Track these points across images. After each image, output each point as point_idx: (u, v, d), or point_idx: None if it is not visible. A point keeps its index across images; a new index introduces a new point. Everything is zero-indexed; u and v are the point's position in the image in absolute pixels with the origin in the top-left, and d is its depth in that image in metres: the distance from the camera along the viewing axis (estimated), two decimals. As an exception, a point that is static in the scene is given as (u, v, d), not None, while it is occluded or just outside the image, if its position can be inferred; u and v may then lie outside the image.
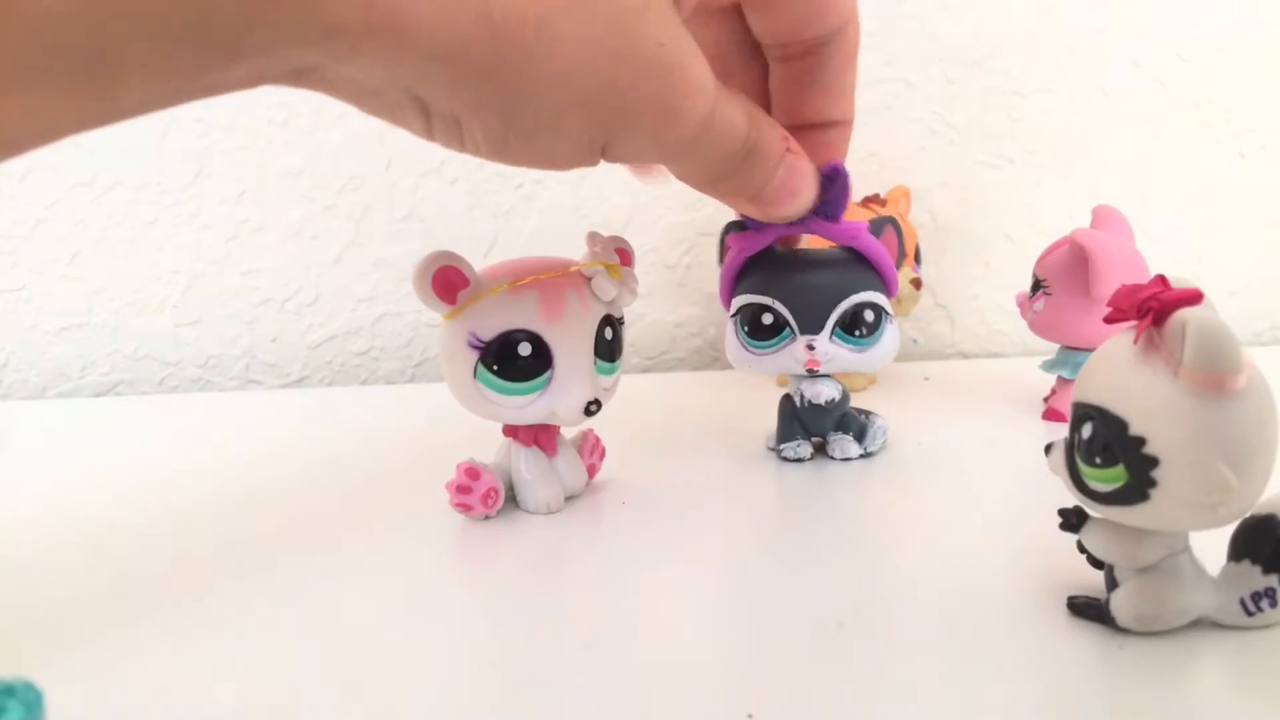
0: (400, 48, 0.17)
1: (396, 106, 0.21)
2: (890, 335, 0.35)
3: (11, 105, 0.15)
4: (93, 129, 0.17)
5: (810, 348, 0.34)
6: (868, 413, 0.38)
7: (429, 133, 0.21)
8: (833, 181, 0.30)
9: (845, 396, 0.37)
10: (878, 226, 0.35)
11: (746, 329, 0.35)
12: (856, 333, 0.34)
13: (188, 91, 0.18)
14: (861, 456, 0.37)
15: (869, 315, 0.34)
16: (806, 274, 0.34)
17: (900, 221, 0.48)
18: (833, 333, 0.34)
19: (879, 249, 0.34)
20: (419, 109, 0.20)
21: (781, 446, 0.37)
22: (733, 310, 0.35)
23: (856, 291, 0.34)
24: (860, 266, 0.34)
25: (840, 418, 0.37)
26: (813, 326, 0.34)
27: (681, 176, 0.26)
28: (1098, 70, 0.57)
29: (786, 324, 0.34)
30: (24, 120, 0.15)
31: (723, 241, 0.36)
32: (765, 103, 0.30)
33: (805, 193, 0.28)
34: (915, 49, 0.56)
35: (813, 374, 0.35)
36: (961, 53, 0.56)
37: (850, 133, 0.30)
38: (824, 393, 0.35)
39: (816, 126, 0.29)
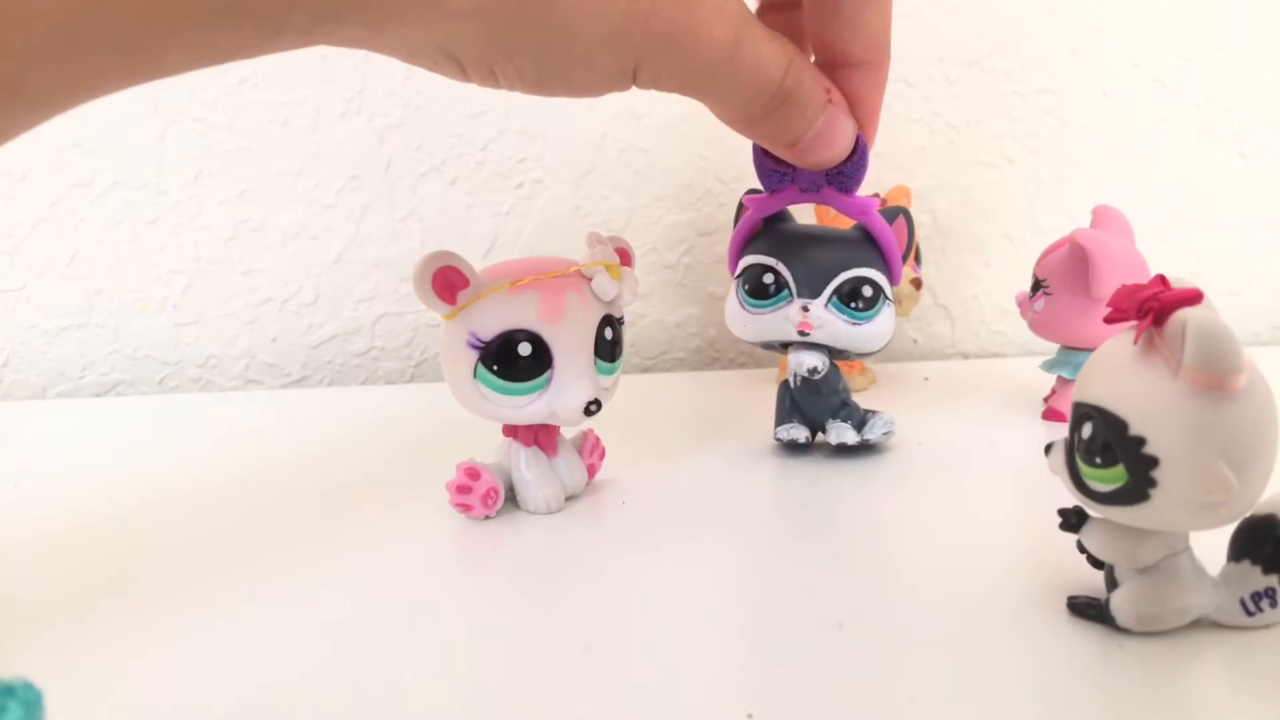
0: (433, 11, 0.18)
1: (433, 62, 0.21)
2: (886, 318, 0.35)
3: (56, 70, 0.16)
4: (128, 89, 0.18)
5: (805, 309, 0.34)
6: (873, 411, 0.38)
7: (465, 79, 0.22)
8: (851, 151, 0.29)
9: (833, 372, 0.36)
10: (891, 214, 0.35)
11: (747, 288, 0.35)
12: (853, 305, 0.34)
13: (233, 59, 0.18)
14: (860, 445, 0.37)
15: (867, 290, 0.34)
16: (812, 242, 0.35)
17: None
18: (829, 301, 0.34)
19: (887, 231, 0.34)
20: (454, 63, 0.21)
21: (777, 429, 0.37)
22: (738, 271, 0.36)
23: (859, 266, 0.34)
24: (868, 247, 0.35)
25: (839, 406, 0.37)
26: (811, 291, 0.34)
27: (718, 114, 0.27)
28: (1098, 70, 0.57)
29: (786, 285, 0.34)
30: (64, 85, 0.16)
31: (740, 208, 0.37)
32: (801, 37, 0.29)
33: (840, 146, 0.29)
34: (915, 49, 0.56)
35: (803, 337, 0.35)
36: (961, 53, 0.56)
37: (883, 78, 0.29)
38: (806, 361, 0.35)
39: (847, 67, 0.28)
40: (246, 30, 0.17)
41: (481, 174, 0.55)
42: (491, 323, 0.29)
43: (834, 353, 0.36)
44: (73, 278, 0.54)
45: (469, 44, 0.20)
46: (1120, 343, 0.21)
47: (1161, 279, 0.21)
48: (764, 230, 0.36)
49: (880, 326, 0.35)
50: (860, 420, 0.37)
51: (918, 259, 0.49)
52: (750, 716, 0.20)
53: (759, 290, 0.35)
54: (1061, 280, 0.40)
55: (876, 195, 0.49)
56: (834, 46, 0.28)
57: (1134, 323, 0.21)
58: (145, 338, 0.55)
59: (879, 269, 0.35)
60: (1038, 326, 0.42)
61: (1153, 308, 0.20)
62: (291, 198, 0.54)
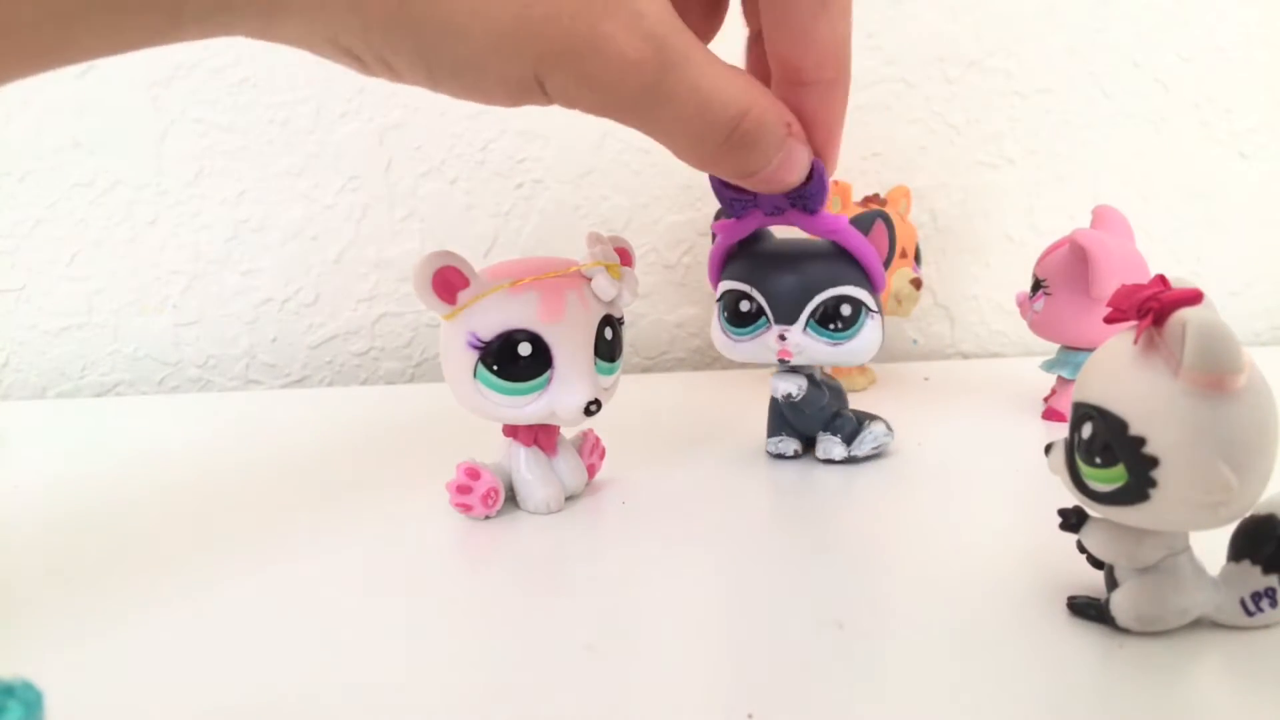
0: (320, 10, 0.19)
1: (332, 54, 0.21)
2: (870, 331, 0.34)
3: None
4: (44, 72, 0.18)
5: (782, 338, 0.34)
6: (872, 417, 0.37)
7: (367, 72, 0.21)
8: (808, 177, 0.29)
9: (814, 392, 0.36)
10: (867, 221, 0.34)
11: (726, 315, 0.35)
12: (832, 326, 0.33)
13: (140, 47, 0.19)
14: (846, 460, 0.36)
15: (845, 309, 0.33)
16: (786, 264, 0.34)
17: (896, 217, 0.48)
18: (807, 324, 0.33)
19: (861, 244, 0.33)
20: (350, 56, 0.21)
21: (767, 442, 0.37)
22: (717, 295, 0.36)
23: (835, 285, 0.33)
24: (844, 260, 0.34)
25: (832, 418, 0.37)
26: (787, 317, 0.34)
27: (676, 153, 0.26)
28: (1098, 70, 0.57)
29: (763, 312, 0.34)
30: None
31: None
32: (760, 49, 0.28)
33: (795, 176, 0.28)
34: (915, 49, 0.56)
35: (783, 364, 0.35)
36: (961, 53, 0.56)
37: (840, 96, 0.28)
38: (781, 387, 0.35)
39: (803, 84, 0.27)
40: (147, 17, 0.18)
41: (481, 174, 0.55)
42: (491, 323, 0.29)
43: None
44: (73, 278, 0.54)
45: (353, 37, 0.20)
46: (1120, 343, 0.21)
47: (1161, 279, 0.21)
48: (740, 251, 0.35)
49: (864, 341, 0.34)
50: (853, 431, 0.37)
51: (918, 259, 0.49)
52: (750, 716, 0.20)
53: (737, 318, 0.35)
54: (1061, 280, 0.40)
55: (876, 195, 0.49)
56: (787, 62, 0.27)
57: (1134, 323, 0.21)
58: (145, 338, 0.55)
59: (857, 283, 0.34)
60: (1038, 326, 0.42)
61: (1153, 308, 0.20)
62: (291, 198, 0.55)
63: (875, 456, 0.37)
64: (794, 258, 0.34)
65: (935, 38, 0.56)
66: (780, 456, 0.37)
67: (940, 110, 0.57)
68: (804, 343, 0.34)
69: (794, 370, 0.36)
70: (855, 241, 0.33)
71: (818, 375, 0.36)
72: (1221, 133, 0.59)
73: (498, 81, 0.21)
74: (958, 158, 0.57)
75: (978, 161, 0.58)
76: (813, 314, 0.33)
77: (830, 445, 0.36)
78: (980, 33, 0.56)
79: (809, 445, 0.38)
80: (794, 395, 0.35)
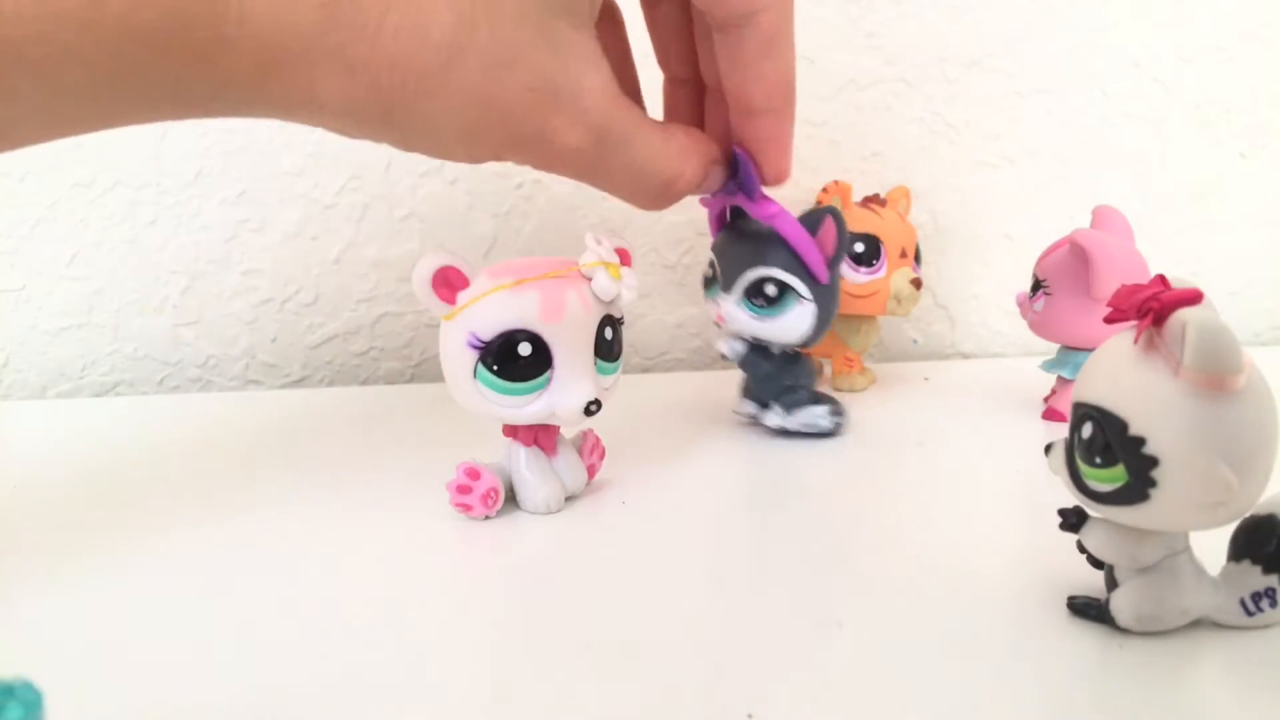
0: (319, 111, 0.24)
1: (328, 130, 0.26)
2: (798, 315, 0.37)
3: (36, 124, 0.22)
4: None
5: (717, 304, 0.38)
6: (828, 399, 0.39)
7: (354, 139, 0.27)
8: (735, 166, 0.33)
9: (752, 358, 0.39)
10: (816, 218, 0.36)
11: (705, 278, 0.40)
12: (756, 301, 0.37)
13: (167, 121, 0.24)
14: (779, 431, 0.39)
15: (770, 289, 0.36)
16: (736, 241, 0.38)
17: (896, 217, 0.48)
18: (740, 298, 0.37)
19: (795, 233, 0.36)
20: (346, 134, 0.26)
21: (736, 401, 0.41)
22: None
23: (764, 265, 0.36)
24: (781, 247, 0.36)
25: (783, 390, 0.39)
26: (726, 287, 0.38)
27: (621, 199, 0.31)
28: (1098, 70, 0.57)
29: (717, 279, 0.39)
30: (40, 132, 0.23)
31: None
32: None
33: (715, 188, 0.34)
34: (915, 49, 0.56)
35: (719, 328, 0.40)
36: (961, 53, 0.56)
37: (786, 121, 0.32)
38: (720, 346, 0.40)
39: (753, 113, 0.31)
40: (182, 109, 0.23)
41: (481, 174, 0.55)
42: (491, 323, 0.29)
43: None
44: (73, 278, 0.54)
45: (349, 130, 0.26)
46: (1120, 343, 0.21)
47: (1161, 279, 0.21)
48: (732, 220, 0.39)
49: (790, 322, 0.37)
50: (799, 405, 0.39)
51: (917, 259, 0.49)
52: (750, 716, 0.20)
53: (706, 281, 0.40)
54: (1061, 280, 0.40)
55: (876, 195, 0.49)
56: (737, 95, 0.31)
57: (1134, 323, 0.21)
58: (145, 338, 0.55)
59: (788, 268, 0.36)
60: (1038, 326, 0.42)
61: (1153, 308, 0.20)
62: (291, 198, 0.54)
63: (814, 434, 0.39)
64: (747, 237, 0.38)
65: (935, 38, 0.56)
66: (738, 415, 0.41)
67: (940, 110, 0.57)
68: (734, 313, 0.38)
69: (740, 336, 0.39)
70: (788, 229, 0.36)
71: (774, 349, 0.39)
72: (1221, 133, 0.59)
73: (465, 158, 0.27)
74: (958, 158, 0.57)
75: (978, 161, 0.58)
76: (745, 289, 0.37)
77: (768, 414, 0.40)
78: (980, 33, 0.56)
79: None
80: (727, 356, 0.39)
